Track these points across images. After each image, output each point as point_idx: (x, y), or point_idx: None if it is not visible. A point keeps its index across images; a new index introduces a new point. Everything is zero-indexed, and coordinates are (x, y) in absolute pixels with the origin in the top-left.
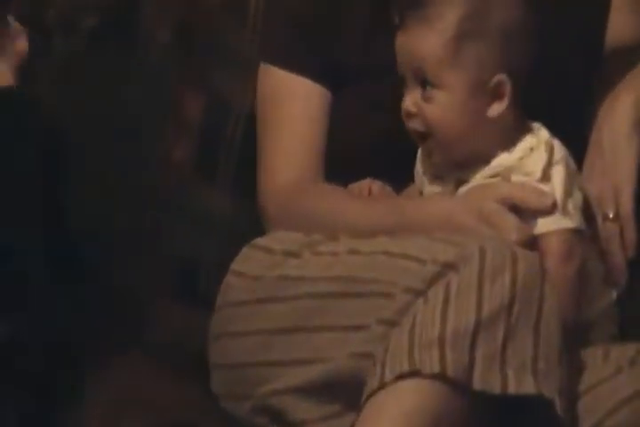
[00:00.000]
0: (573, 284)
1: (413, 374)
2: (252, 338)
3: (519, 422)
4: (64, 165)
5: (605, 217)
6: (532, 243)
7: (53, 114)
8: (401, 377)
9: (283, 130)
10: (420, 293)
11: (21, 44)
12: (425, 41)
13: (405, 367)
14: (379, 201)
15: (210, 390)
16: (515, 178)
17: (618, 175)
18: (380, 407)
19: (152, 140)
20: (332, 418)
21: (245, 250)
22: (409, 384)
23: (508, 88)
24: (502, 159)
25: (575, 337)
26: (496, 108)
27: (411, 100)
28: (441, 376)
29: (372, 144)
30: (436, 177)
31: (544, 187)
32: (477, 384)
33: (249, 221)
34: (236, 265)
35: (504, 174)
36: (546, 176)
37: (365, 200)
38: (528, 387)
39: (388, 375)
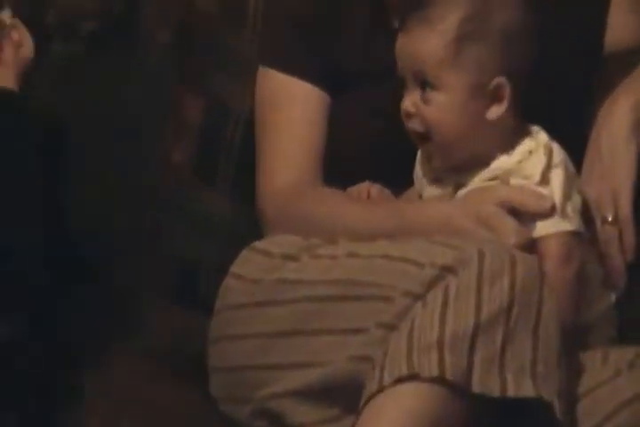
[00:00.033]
0: (572, 287)
1: (412, 377)
2: (251, 341)
3: (518, 426)
4: (64, 166)
5: (604, 220)
6: (531, 246)
7: (54, 115)
8: (400, 381)
9: (281, 133)
10: (418, 296)
11: (26, 50)
12: (426, 42)
13: (404, 371)
14: (377, 204)
15: (209, 394)
16: (513, 181)
17: (616, 179)
18: (378, 411)
19: (152, 142)
20: (330, 422)
21: (244, 253)
22: (408, 388)
23: (507, 91)
24: (501, 162)
25: (574, 340)
26: (495, 111)
27: (410, 100)
28: (440, 380)
29: (371, 147)
30: (436, 180)
31: (543, 190)
32: (476, 387)
33: (248, 223)
34: (235, 268)
35: (503, 177)
36: (545, 179)
37: (364, 203)
38: (527, 390)
39: (387, 379)
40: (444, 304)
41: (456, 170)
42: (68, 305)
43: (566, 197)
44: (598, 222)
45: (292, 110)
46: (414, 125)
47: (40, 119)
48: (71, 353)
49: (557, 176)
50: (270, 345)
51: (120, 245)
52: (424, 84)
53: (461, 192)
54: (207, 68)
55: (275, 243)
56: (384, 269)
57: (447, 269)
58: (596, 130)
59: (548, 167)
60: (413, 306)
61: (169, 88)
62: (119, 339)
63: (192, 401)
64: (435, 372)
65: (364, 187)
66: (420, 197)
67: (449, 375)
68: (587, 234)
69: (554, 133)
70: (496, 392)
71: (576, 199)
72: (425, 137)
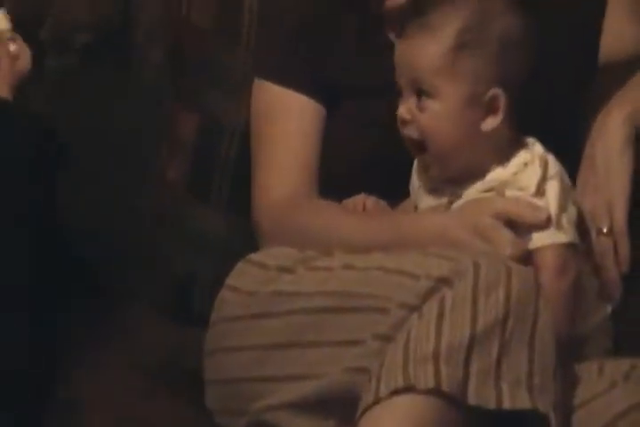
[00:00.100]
0: (568, 298)
1: (408, 389)
2: (247, 353)
3: None
4: (58, 177)
5: (599, 232)
6: (527, 257)
7: (49, 126)
8: (396, 392)
9: (277, 145)
10: (414, 308)
11: (23, 62)
12: (424, 50)
13: (400, 382)
14: (373, 216)
15: (205, 407)
16: (509, 193)
17: (611, 190)
18: (375, 422)
19: (146, 158)
20: None
21: (240, 265)
22: (404, 399)
23: (502, 102)
24: (497, 174)
25: (570, 352)
26: (490, 123)
27: (405, 107)
28: (436, 391)
29: (366, 159)
30: (432, 191)
31: (538, 202)
32: (472, 399)
33: (242, 240)
34: (230, 280)
35: (498, 189)
36: (540, 191)
37: (360, 215)
38: (523, 402)
39: (383, 390)
40: (440, 316)
41: (452, 181)
42: (63, 320)
43: (562, 208)
44: (593, 234)
45: (287, 123)
46: (410, 132)
47: (35, 130)
48: (66, 368)
49: (553, 188)
50: (266, 357)
51: (116, 261)
52: (420, 92)
53: (457, 204)
54: (201, 86)
55: (270, 255)
56: (380, 281)
57: (443, 281)
58: (590, 141)
59: (544, 179)
60: (409, 318)
61: (163, 104)
62: (115, 353)
63: (187, 417)
64: (431, 383)
65: (360, 199)
66: (416, 208)
67: (445, 387)
68: (582, 246)
69: (549, 145)
70: (492, 404)
71: (571, 211)
72: (421, 147)
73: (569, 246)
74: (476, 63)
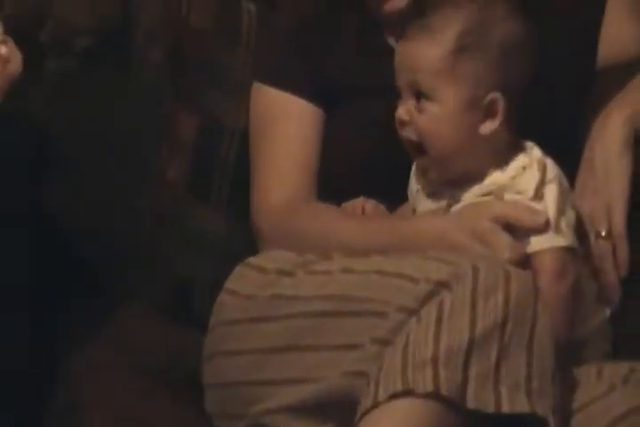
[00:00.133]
0: (566, 302)
1: (407, 393)
2: (246, 357)
3: None
4: (49, 179)
5: (598, 235)
6: (525, 261)
7: (42, 131)
8: (395, 396)
9: (276, 149)
10: (413, 311)
11: (14, 65)
12: (423, 52)
13: (399, 386)
14: (372, 220)
15: (204, 410)
16: (507, 196)
17: (610, 193)
18: (374, 426)
19: (146, 159)
20: None
21: (239, 269)
22: (402, 403)
23: (501, 106)
24: (495, 178)
25: (568, 355)
26: (488, 126)
27: (404, 108)
28: (434, 395)
29: (364, 163)
30: (430, 195)
31: (537, 205)
32: (471, 403)
33: (242, 241)
34: (229, 284)
35: (497, 193)
36: (538, 195)
37: (359, 219)
38: (522, 405)
39: (382, 394)
40: (439, 320)
41: (450, 185)
42: (63, 320)
43: (560, 212)
44: (592, 237)
45: (286, 126)
46: (408, 134)
47: (24, 131)
48: (66, 368)
49: (551, 191)
50: (265, 361)
51: (115, 261)
52: (419, 94)
53: (456, 207)
54: (201, 86)
55: (269, 259)
56: (379, 285)
57: (442, 285)
58: (589, 144)
59: (542, 183)
60: (408, 321)
61: (163, 105)
62: (115, 353)
63: (187, 417)
64: (429, 387)
65: (359, 202)
66: (414, 211)
67: (444, 391)
68: (581, 249)
69: (547, 149)
70: (491, 408)
71: (570, 215)
72: (419, 149)
73: (567, 250)
74: (476, 67)
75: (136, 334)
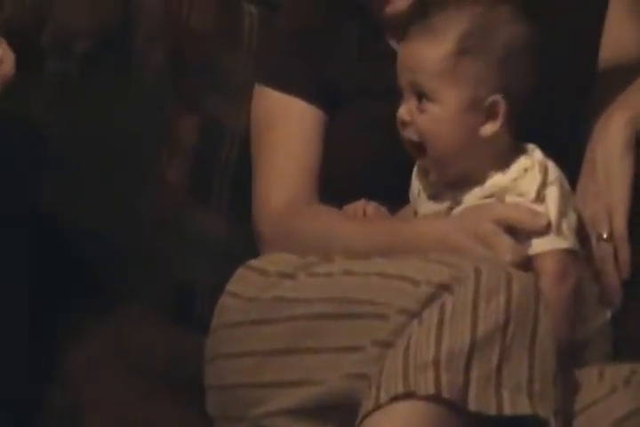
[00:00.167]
0: (568, 304)
1: (408, 395)
2: (247, 359)
3: None
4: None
5: (599, 237)
6: (527, 263)
7: (43, 133)
8: (396, 399)
9: (277, 151)
10: (414, 314)
11: (7, 66)
12: (425, 53)
13: (400, 389)
14: (373, 222)
15: (205, 412)
16: (509, 199)
17: (611, 195)
18: None
19: (146, 162)
20: None
21: (240, 271)
22: (404, 406)
23: (502, 109)
24: (497, 180)
25: (570, 357)
26: (489, 128)
27: (405, 108)
28: (436, 398)
29: (366, 165)
30: (431, 197)
31: (538, 207)
32: (473, 405)
33: (243, 243)
34: (230, 286)
35: (498, 195)
36: (540, 197)
37: (360, 221)
38: (523, 408)
39: (384, 397)
40: (440, 322)
41: (452, 187)
42: (63, 321)
43: (562, 214)
44: (593, 239)
45: (287, 128)
46: (409, 134)
47: (25, 134)
48: (66, 369)
49: (553, 194)
50: (265, 363)
51: (116, 263)
52: (420, 95)
53: (457, 210)
54: (202, 89)
55: (271, 261)
56: (380, 287)
57: (443, 287)
58: (590, 146)
59: (544, 185)
60: (409, 324)
61: (164, 108)
62: (115, 355)
63: (187, 419)
64: (431, 390)
65: (360, 205)
66: (416, 214)
67: (445, 393)
68: (582, 251)
69: (549, 151)
70: (492, 410)
71: (571, 217)
72: (420, 149)
73: (569, 252)
74: (478, 68)
75: (136, 336)
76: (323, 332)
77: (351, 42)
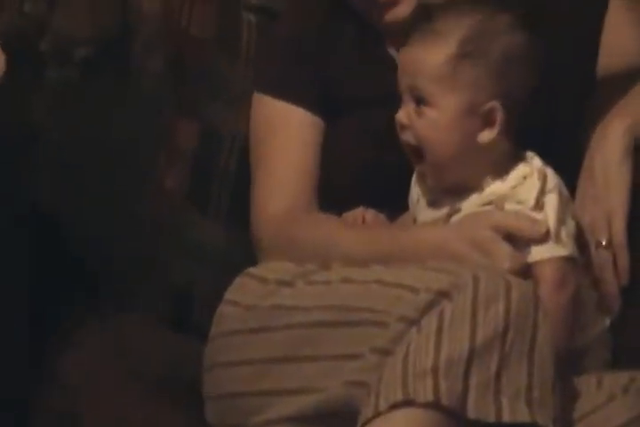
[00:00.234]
0: (567, 311)
1: (407, 403)
2: (245, 368)
3: None
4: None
5: (598, 245)
6: (526, 271)
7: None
8: (395, 406)
9: (276, 159)
10: (413, 321)
11: None
12: (425, 57)
13: (399, 396)
14: (372, 230)
15: (203, 419)
16: (508, 206)
17: (610, 203)
18: None
19: (145, 168)
20: None
21: (239, 279)
22: (403, 413)
23: (499, 116)
24: (495, 187)
25: (569, 365)
26: (486, 135)
27: (404, 112)
28: (435, 405)
29: (365, 172)
30: (430, 204)
31: (537, 215)
32: (472, 413)
33: (241, 251)
34: (229, 294)
35: (497, 202)
36: (539, 204)
37: (359, 229)
38: (522, 415)
39: (383, 404)
40: (439, 329)
41: (450, 193)
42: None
43: (560, 221)
44: (592, 247)
45: (286, 136)
46: (407, 138)
47: (25, 138)
48: (64, 377)
49: (551, 201)
50: (264, 371)
51: (114, 269)
52: (419, 99)
53: (456, 217)
54: (201, 95)
55: (269, 269)
56: (379, 295)
57: (442, 295)
58: (589, 154)
59: (542, 192)
60: (408, 331)
61: (162, 114)
62: (113, 364)
63: (186, 425)
64: (430, 397)
65: (359, 212)
66: (415, 221)
67: (444, 401)
68: (581, 258)
69: (548, 158)
70: (491, 418)
71: (570, 224)
72: (419, 154)
73: (568, 260)
74: (477, 74)
75: (135, 342)
76: (321, 340)
77: (351, 50)
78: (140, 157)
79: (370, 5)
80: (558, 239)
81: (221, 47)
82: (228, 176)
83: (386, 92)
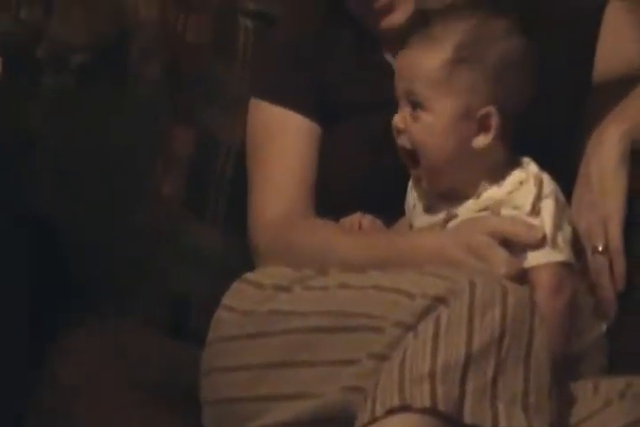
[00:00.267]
0: (563, 317)
1: (404, 408)
2: (242, 373)
3: None
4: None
5: (595, 250)
6: (522, 276)
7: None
8: (392, 412)
9: (273, 164)
10: (410, 327)
11: None
12: (421, 62)
13: (396, 402)
14: (369, 235)
15: (201, 424)
16: (504, 212)
17: (606, 208)
18: None
19: (142, 175)
20: None
21: (236, 285)
22: (400, 419)
23: (495, 121)
24: (492, 193)
25: (565, 370)
26: (481, 140)
27: (400, 116)
28: (431, 410)
29: (362, 178)
30: (427, 210)
31: (533, 220)
32: (468, 418)
33: (238, 256)
34: (226, 300)
35: (494, 208)
36: (535, 210)
37: (356, 234)
38: (519, 421)
39: (379, 410)
40: (436, 335)
41: (446, 199)
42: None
43: (557, 227)
44: (589, 252)
45: (283, 142)
46: (403, 142)
47: (22, 145)
48: (61, 383)
49: (548, 207)
50: (261, 377)
51: (111, 275)
52: (415, 103)
53: (453, 223)
54: (197, 102)
55: (266, 274)
56: (375, 300)
57: (439, 300)
58: (585, 160)
59: (539, 198)
60: (405, 336)
61: (159, 120)
62: (110, 369)
63: None
64: (426, 403)
65: (356, 218)
66: (411, 227)
67: (441, 406)
68: (577, 264)
69: (544, 164)
70: (488, 423)
71: (567, 230)
72: (414, 158)
73: (564, 265)
74: (473, 79)
75: (132, 347)
76: (318, 345)
77: (348, 56)
78: (136, 163)
79: (366, 11)
80: (554, 245)
81: (218, 53)
82: (225, 182)
83: (383, 97)
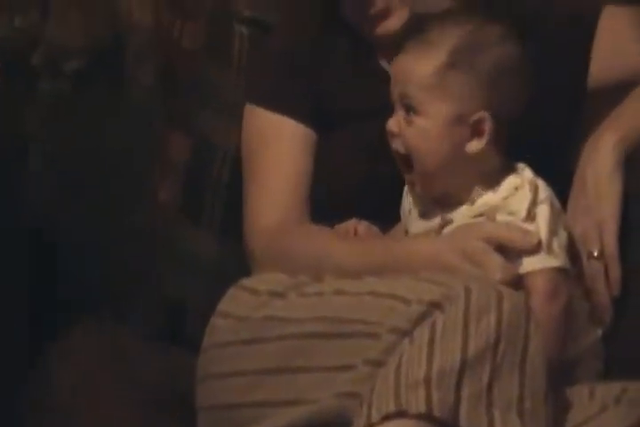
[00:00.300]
0: (559, 323)
1: (400, 414)
2: (238, 379)
3: None
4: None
5: (590, 255)
6: (518, 282)
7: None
8: (387, 417)
9: (268, 171)
10: (405, 332)
11: None
12: (415, 66)
13: (391, 407)
14: (365, 241)
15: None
16: (500, 217)
17: (601, 214)
18: None
19: (138, 180)
20: None
21: (231, 291)
22: (395, 424)
23: (488, 126)
24: (487, 198)
25: (561, 376)
26: (475, 145)
27: (394, 120)
28: (427, 416)
29: (357, 184)
30: (422, 216)
31: (529, 226)
32: (464, 424)
33: (234, 262)
34: (222, 306)
35: (489, 214)
36: (530, 215)
37: (351, 241)
38: (514, 426)
39: (375, 415)
40: (431, 341)
41: (441, 204)
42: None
43: (552, 233)
44: (584, 258)
45: (278, 148)
46: (397, 146)
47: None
48: (58, 389)
49: (543, 212)
50: (257, 383)
51: (106, 281)
52: (409, 107)
53: (448, 228)
54: (192, 107)
55: (262, 280)
56: (371, 306)
57: (434, 306)
58: (580, 166)
59: (534, 203)
60: (400, 342)
61: (154, 124)
62: (107, 374)
63: None
64: (422, 408)
65: (352, 224)
66: (407, 232)
67: (436, 412)
68: (573, 269)
69: (539, 170)
70: None
71: (562, 235)
72: (408, 162)
73: (560, 271)
74: (467, 84)
75: (128, 355)
76: (314, 351)
77: (344, 63)
78: (133, 169)
79: (362, 18)
80: (550, 250)
81: (213, 59)
82: (221, 187)
83: (379, 104)
